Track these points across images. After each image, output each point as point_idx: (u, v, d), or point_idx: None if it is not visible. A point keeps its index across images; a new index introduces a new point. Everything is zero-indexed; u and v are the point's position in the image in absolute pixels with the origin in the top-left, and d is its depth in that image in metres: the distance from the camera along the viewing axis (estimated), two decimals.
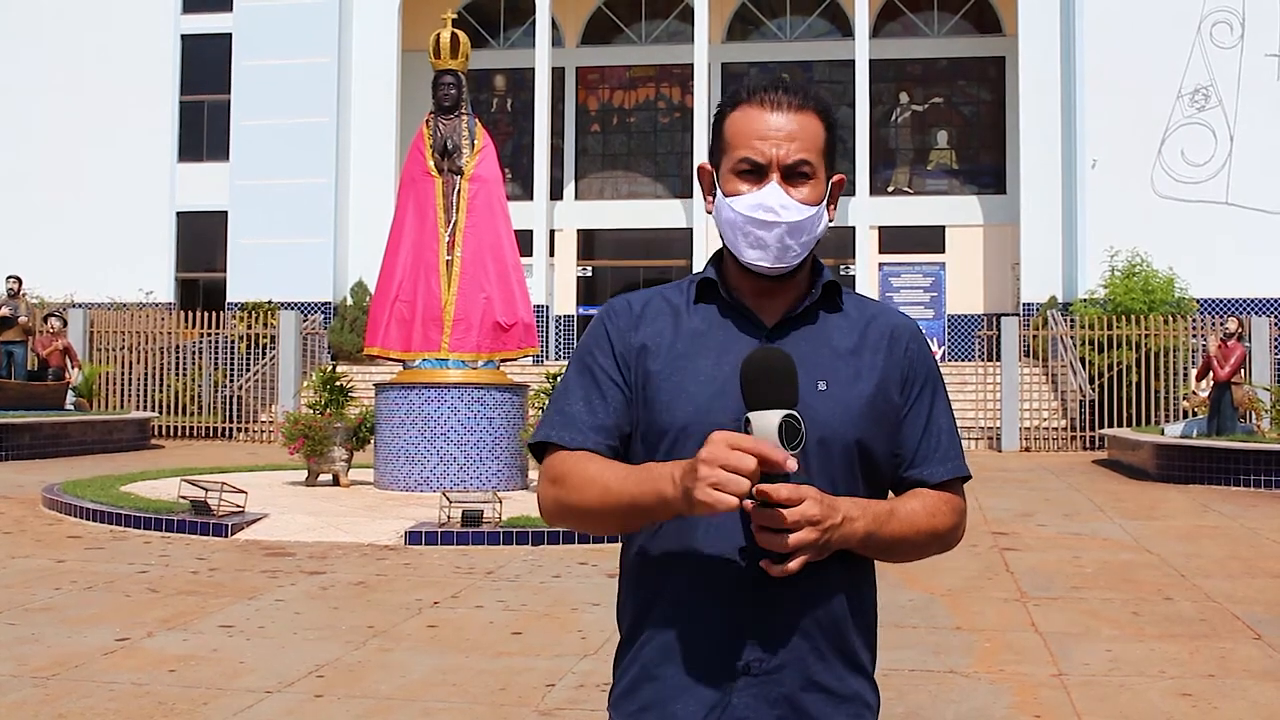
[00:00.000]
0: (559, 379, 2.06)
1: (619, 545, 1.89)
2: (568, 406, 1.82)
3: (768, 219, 1.75)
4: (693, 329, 1.82)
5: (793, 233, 1.76)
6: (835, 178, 1.84)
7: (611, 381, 1.82)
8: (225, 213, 26.98)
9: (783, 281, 1.81)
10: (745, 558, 1.69)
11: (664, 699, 1.72)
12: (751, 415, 1.61)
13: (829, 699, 1.73)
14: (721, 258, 1.87)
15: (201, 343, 22.87)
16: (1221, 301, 22.84)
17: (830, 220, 1.84)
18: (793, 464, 1.57)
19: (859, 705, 1.76)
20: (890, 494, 1.86)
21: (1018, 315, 23.15)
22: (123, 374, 22.26)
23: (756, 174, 1.77)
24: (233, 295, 26.23)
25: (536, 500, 1.87)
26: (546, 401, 12.28)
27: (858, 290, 2.00)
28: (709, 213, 1.85)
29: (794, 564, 1.63)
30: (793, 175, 1.76)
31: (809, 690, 1.72)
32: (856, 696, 1.76)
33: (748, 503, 1.62)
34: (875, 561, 1.84)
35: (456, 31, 12.74)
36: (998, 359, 21.36)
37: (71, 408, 19.18)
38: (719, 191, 1.81)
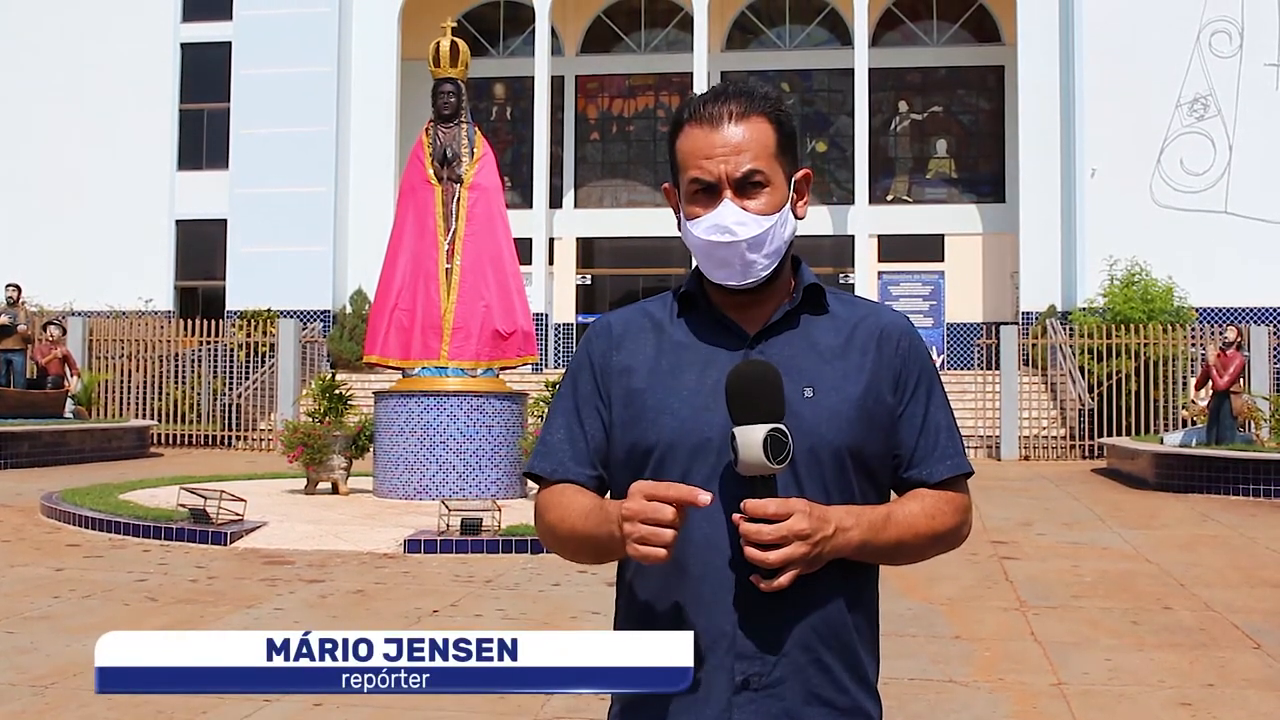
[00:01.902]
0: (556, 388, 2.08)
1: None
2: (549, 436, 1.86)
3: (725, 240, 1.73)
4: (675, 343, 1.81)
5: (754, 247, 1.74)
6: (798, 174, 1.81)
7: (592, 408, 1.83)
8: (225, 221, 26.97)
9: (763, 289, 1.80)
10: (740, 571, 1.67)
11: (664, 715, 1.70)
12: (736, 431, 1.60)
13: (830, 713, 1.71)
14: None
15: (201, 351, 22.86)
16: (1220, 310, 22.83)
17: (801, 217, 1.81)
18: (705, 497, 1.57)
19: (860, 718, 1.74)
20: (893, 495, 1.84)
21: (1017, 324, 23.13)
22: (122, 382, 22.25)
23: (708, 193, 1.75)
24: (232, 303, 26.22)
25: None
26: (545, 411, 12.30)
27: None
28: (680, 232, 1.83)
29: (784, 579, 1.61)
30: (745, 187, 1.74)
31: (810, 703, 1.70)
32: (858, 710, 1.74)
33: (736, 517, 1.62)
34: (879, 569, 1.82)
35: (456, 40, 12.76)
36: (997, 368, 21.35)
37: (70, 416, 19.17)
38: (681, 215, 1.81)
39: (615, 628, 1.86)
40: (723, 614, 1.69)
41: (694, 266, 1.87)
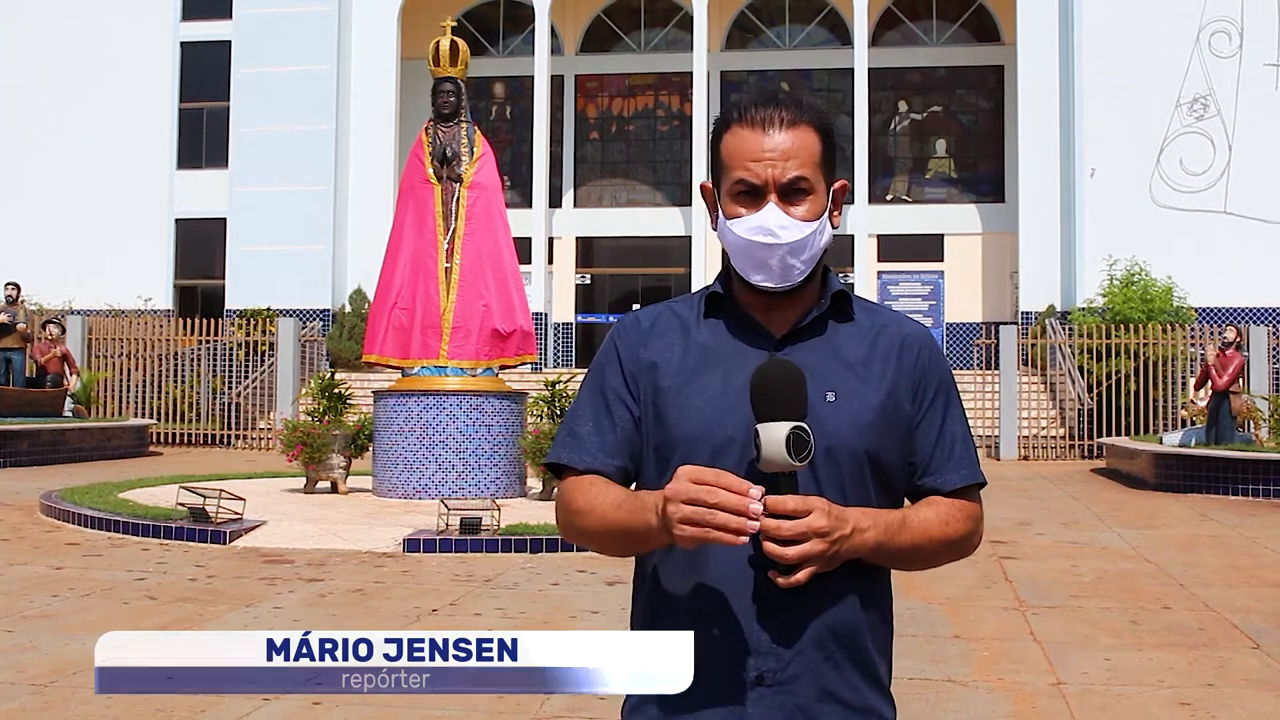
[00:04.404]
0: (574, 389, 2.09)
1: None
2: (578, 427, 1.85)
3: (768, 241, 1.75)
4: (701, 343, 1.83)
5: (794, 252, 1.76)
6: (837, 184, 1.83)
7: (620, 401, 1.83)
8: (224, 220, 26.97)
9: (792, 293, 1.81)
10: (756, 568, 1.69)
11: (679, 711, 1.72)
12: (760, 427, 1.62)
13: (844, 710, 1.73)
14: (730, 270, 1.87)
15: (200, 350, 22.86)
16: (1220, 310, 22.84)
17: (835, 228, 1.84)
18: (756, 491, 1.57)
19: (874, 719, 1.76)
20: (906, 502, 1.86)
21: (1016, 324, 23.13)
22: (121, 381, 22.25)
23: (753, 195, 1.76)
24: (231, 302, 26.22)
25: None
26: (545, 409, 12.29)
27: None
28: (714, 230, 1.85)
29: (801, 575, 1.63)
30: (790, 193, 1.76)
31: (824, 700, 1.72)
32: (873, 710, 1.76)
33: (756, 509, 1.64)
34: (891, 574, 1.84)
35: (456, 39, 12.76)
36: (996, 367, 21.35)
37: (69, 414, 19.16)
38: (720, 213, 1.81)
39: (633, 622, 1.87)
40: (739, 609, 1.71)
41: (722, 268, 1.89)
